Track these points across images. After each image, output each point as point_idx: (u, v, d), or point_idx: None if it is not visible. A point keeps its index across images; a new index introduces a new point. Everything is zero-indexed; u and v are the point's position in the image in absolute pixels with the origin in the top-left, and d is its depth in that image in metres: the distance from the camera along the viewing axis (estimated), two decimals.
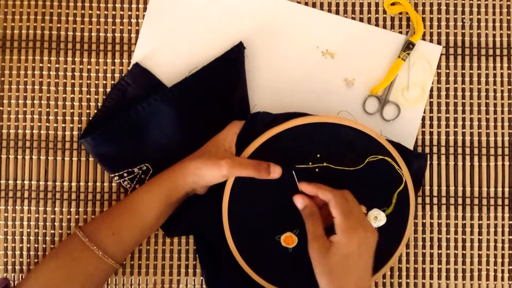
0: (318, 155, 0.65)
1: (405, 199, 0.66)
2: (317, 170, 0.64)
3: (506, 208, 0.71)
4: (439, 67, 0.72)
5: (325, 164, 0.65)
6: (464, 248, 0.71)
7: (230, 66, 0.70)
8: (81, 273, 0.61)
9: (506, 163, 0.71)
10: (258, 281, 0.65)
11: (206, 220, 0.66)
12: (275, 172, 0.62)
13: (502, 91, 0.72)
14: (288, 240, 0.65)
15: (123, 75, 0.72)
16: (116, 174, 0.69)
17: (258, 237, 0.65)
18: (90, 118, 0.71)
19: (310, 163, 0.64)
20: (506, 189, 0.71)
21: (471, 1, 0.73)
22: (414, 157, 0.68)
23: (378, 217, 0.64)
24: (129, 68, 0.71)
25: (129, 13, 0.72)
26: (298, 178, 0.63)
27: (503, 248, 0.71)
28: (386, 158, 0.65)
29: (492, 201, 0.71)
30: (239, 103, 0.69)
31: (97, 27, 0.72)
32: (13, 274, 0.70)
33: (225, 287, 0.67)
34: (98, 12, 0.72)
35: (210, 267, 0.68)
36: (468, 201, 0.71)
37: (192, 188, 0.64)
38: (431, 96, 0.72)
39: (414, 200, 0.66)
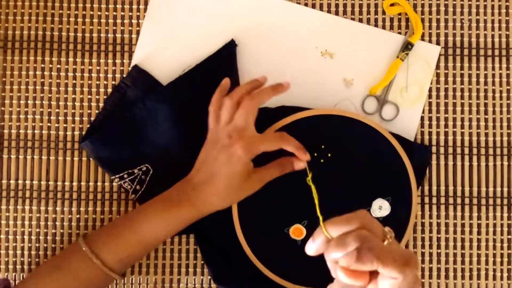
0: (323, 146, 0.67)
1: (408, 190, 0.67)
2: (322, 161, 0.67)
3: (506, 208, 0.71)
4: (438, 67, 0.72)
5: (329, 155, 0.67)
6: (464, 247, 0.71)
7: (223, 63, 0.71)
8: (79, 282, 0.61)
9: (506, 163, 0.71)
10: (268, 274, 0.66)
11: (214, 217, 0.67)
12: (299, 164, 0.64)
13: (501, 91, 0.72)
14: (297, 232, 0.66)
15: (123, 76, 0.72)
16: (116, 176, 0.69)
17: (267, 230, 0.66)
18: (91, 121, 0.72)
19: (316, 154, 0.67)
20: (506, 189, 0.71)
21: (470, 2, 0.73)
22: (416, 149, 0.69)
23: (382, 207, 0.67)
24: (129, 69, 0.72)
25: (130, 13, 0.73)
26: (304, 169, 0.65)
27: (502, 248, 0.71)
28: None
29: (492, 201, 0.71)
30: None
31: (98, 27, 0.73)
32: (13, 274, 0.71)
33: (235, 281, 0.67)
34: (98, 12, 0.73)
35: (215, 263, 0.68)
36: (468, 201, 0.71)
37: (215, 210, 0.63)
38: (430, 96, 0.72)
39: (416, 191, 0.68)
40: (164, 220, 0.61)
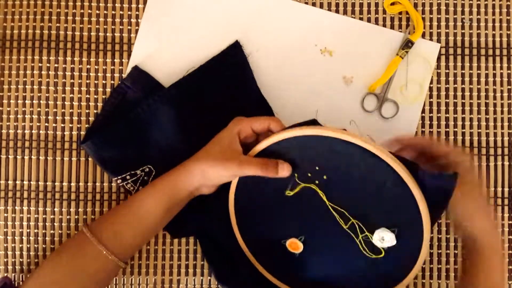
0: (317, 168, 0.60)
1: (417, 222, 0.58)
2: (317, 182, 0.61)
3: (506, 208, 0.71)
4: (439, 67, 0.72)
5: (324, 177, 0.60)
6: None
7: (228, 64, 0.71)
8: (84, 271, 0.61)
9: (506, 163, 0.71)
10: (270, 279, 0.65)
11: (216, 223, 0.67)
12: (284, 169, 0.60)
13: (502, 91, 0.72)
14: (293, 246, 0.64)
15: (122, 75, 0.71)
16: (119, 177, 0.69)
17: (265, 239, 0.65)
18: (91, 123, 0.71)
19: (310, 174, 0.61)
20: (506, 189, 0.71)
21: (471, 1, 0.73)
22: (430, 178, 0.58)
23: (385, 239, 0.59)
24: (128, 68, 0.71)
25: (129, 13, 0.72)
26: (295, 188, 0.62)
27: (503, 248, 0.71)
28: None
29: (492, 201, 0.71)
30: (256, 100, 0.71)
31: (97, 26, 0.72)
32: (13, 274, 0.70)
33: (239, 281, 0.67)
34: (97, 11, 0.72)
35: (218, 263, 0.68)
36: None
37: (196, 188, 0.63)
38: (431, 96, 0.72)
39: (429, 223, 0.58)
40: (158, 192, 0.62)
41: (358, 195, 0.60)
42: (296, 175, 0.61)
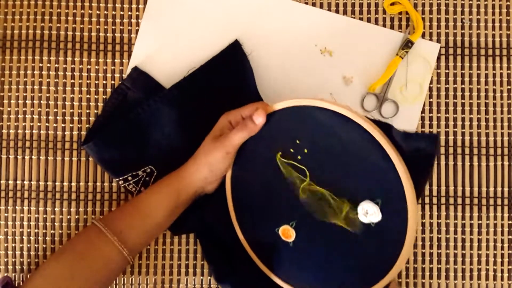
0: (298, 141, 0.61)
1: (399, 191, 0.55)
2: (299, 157, 0.61)
3: (506, 208, 0.71)
4: (438, 67, 0.72)
5: (305, 151, 0.60)
6: (464, 248, 0.71)
7: (228, 63, 0.70)
8: (88, 268, 0.61)
9: (506, 163, 0.71)
10: (268, 274, 0.65)
11: (216, 218, 0.67)
12: (258, 117, 0.61)
13: (502, 91, 0.72)
14: (286, 233, 0.64)
15: (123, 76, 0.72)
16: (120, 178, 0.69)
17: (261, 230, 0.65)
18: (91, 123, 0.71)
19: (292, 150, 0.61)
20: (506, 189, 0.71)
21: (471, 1, 0.73)
22: (406, 138, 0.57)
23: (369, 212, 0.56)
24: (128, 69, 0.71)
25: (129, 13, 0.72)
26: (282, 168, 0.62)
27: (503, 248, 0.71)
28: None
29: (492, 201, 0.71)
30: (256, 100, 0.70)
31: (97, 27, 0.72)
32: (13, 274, 0.70)
33: (236, 281, 0.67)
34: (98, 12, 0.72)
35: (217, 263, 0.68)
36: (468, 201, 0.71)
37: (201, 186, 0.64)
38: (431, 96, 0.72)
39: (413, 191, 0.55)
40: (164, 192, 0.64)
41: (338, 167, 0.58)
42: (279, 153, 0.62)
